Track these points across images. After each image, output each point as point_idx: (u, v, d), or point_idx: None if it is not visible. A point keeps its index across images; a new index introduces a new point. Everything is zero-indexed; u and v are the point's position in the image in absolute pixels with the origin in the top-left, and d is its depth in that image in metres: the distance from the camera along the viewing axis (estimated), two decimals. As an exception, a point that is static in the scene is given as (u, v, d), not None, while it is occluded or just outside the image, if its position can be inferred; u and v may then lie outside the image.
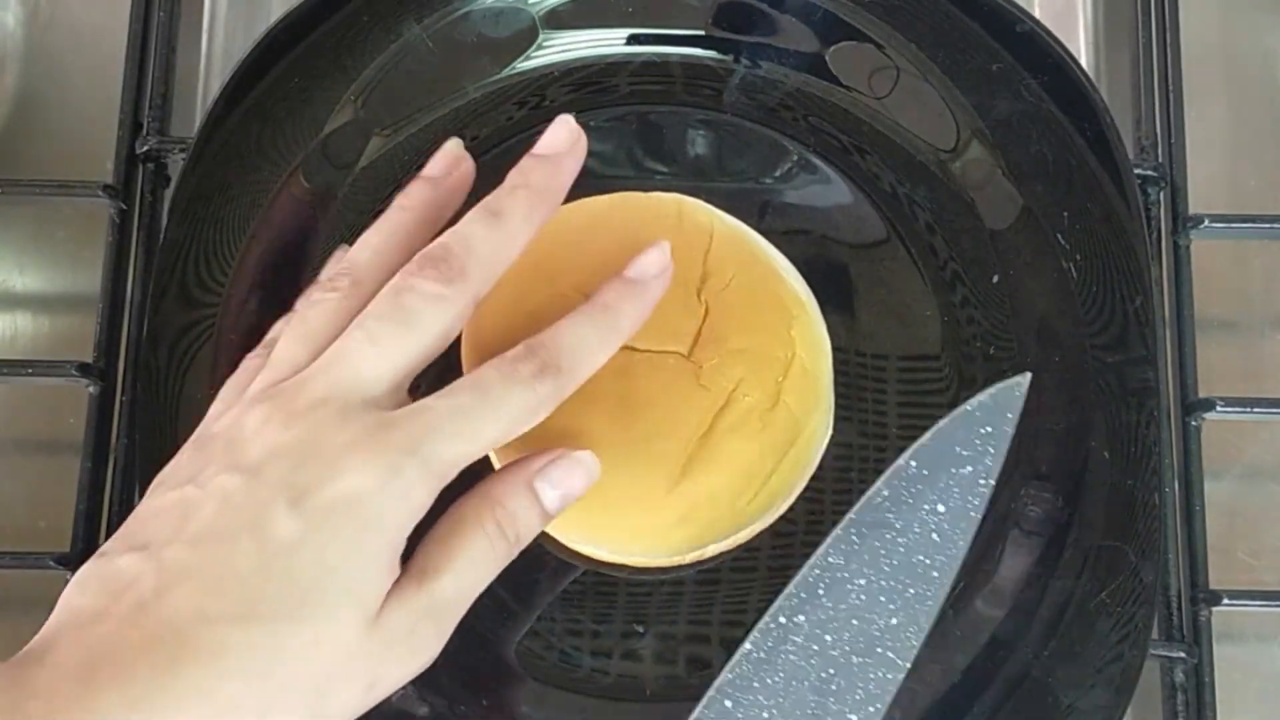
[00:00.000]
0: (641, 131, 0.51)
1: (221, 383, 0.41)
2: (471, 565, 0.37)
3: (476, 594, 0.38)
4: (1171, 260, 0.52)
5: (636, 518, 0.42)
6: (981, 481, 0.41)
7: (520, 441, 0.38)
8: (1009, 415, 0.41)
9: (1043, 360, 0.48)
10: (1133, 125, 0.53)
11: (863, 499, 0.41)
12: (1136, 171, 0.50)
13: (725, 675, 0.39)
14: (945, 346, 0.48)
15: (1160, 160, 0.52)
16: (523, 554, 0.39)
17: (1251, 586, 0.51)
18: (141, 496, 0.39)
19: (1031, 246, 0.49)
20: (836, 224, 0.50)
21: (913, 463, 0.41)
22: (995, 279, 0.49)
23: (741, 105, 0.51)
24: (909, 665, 0.39)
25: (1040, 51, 0.50)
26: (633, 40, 0.52)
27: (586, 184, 0.42)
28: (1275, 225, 0.52)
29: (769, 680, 0.39)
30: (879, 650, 0.39)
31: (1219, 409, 0.49)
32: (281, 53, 0.51)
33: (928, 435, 0.41)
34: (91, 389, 0.50)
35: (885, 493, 0.41)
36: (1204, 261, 0.52)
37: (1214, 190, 0.55)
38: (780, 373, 0.43)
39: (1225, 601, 0.48)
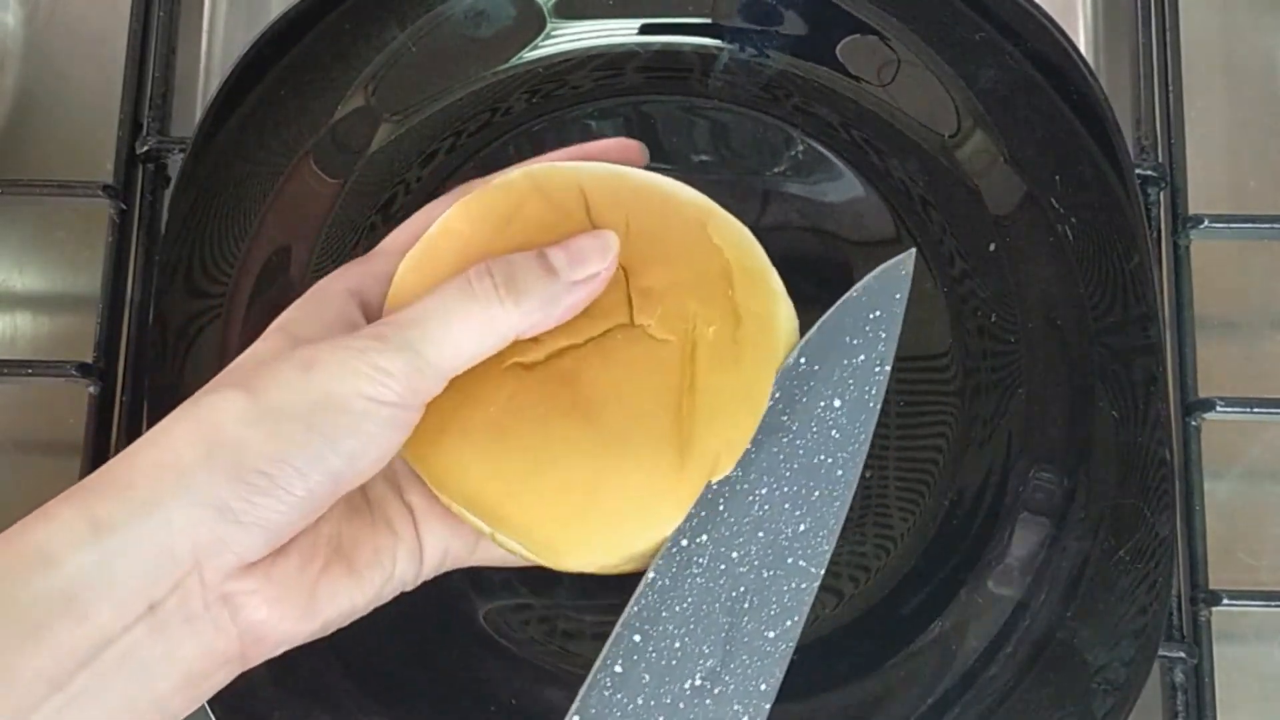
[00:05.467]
0: (646, 121, 0.51)
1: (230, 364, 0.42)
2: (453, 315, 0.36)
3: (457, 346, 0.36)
4: (1171, 260, 0.52)
5: (661, 511, 0.38)
6: (877, 369, 0.38)
7: (490, 463, 0.37)
8: (896, 297, 0.39)
9: (1046, 328, 0.48)
10: (1133, 125, 0.53)
11: None
12: (1137, 172, 0.50)
13: (631, 609, 0.37)
14: (951, 334, 0.49)
15: (1160, 160, 0.52)
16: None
17: (1251, 586, 0.51)
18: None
19: (1029, 221, 0.49)
20: (840, 213, 0.50)
21: (802, 360, 0.38)
22: (992, 246, 0.49)
23: (742, 94, 0.51)
24: (822, 572, 0.37)
25: (1023, 21, 0.50)
26: (643, 30, 0.52)
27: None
28: (1275, 225, 0.52)
29: (677, 608, 0.37)
30: (790, 560, 0.37)
31: (1219, 409, 0.49)
32: (292, 39, 0.51)
33: (814, 329, 0.39)
34: (91, 389, 0.50)
35: (777, 394, 0.38)
36: (1204, 261, 0.52)
37: (1214, 190, 0.55)
38: (725, 284, 0.39)
39: (1225, 601, 0.48)
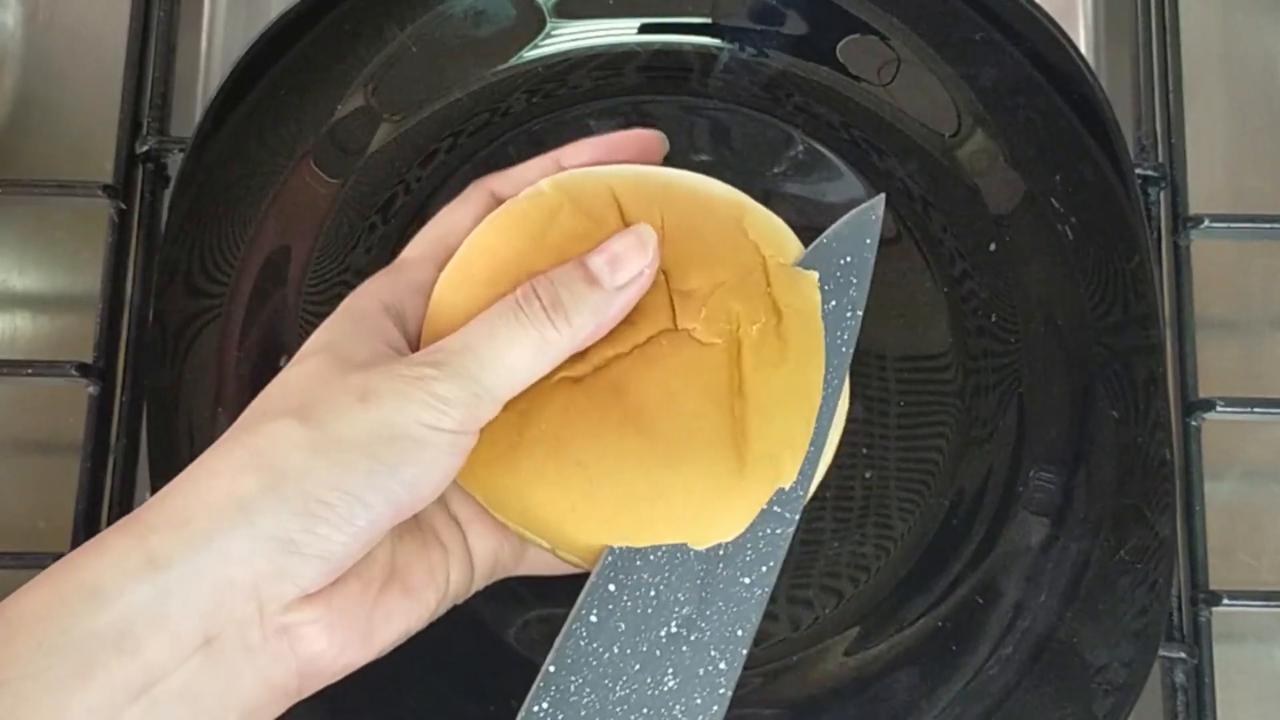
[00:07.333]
0: (646, 121, 0.51)
1: (229, 364, 0.42)
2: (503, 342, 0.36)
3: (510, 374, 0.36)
4: (1171, 260, 0.52)
5: (724, 518, 0.38)
6: (849, 314, 0.38)
7: (547, 482, 0.37)
8: (867, 241, 0.38)
9: (1046, 328, 0.48)
10: (1133, 125, 0.53)
11: None
12: (1137, 172, 0.50)
13: (605, 559, 0.37)
14: (952, 334, 0.49)
15: (1160, 160, 0.52)
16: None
17: (1251, 587, 0.51)
18: (151, 491, 0.39)
19: (1029, 221, 0.49)
20: (839, 213, 0.49)
21: None
22: (992, 246, 0.49)
23: (742, 93, 0.51)
24: (798, 518, 0.37)
25: (1024, 21, 0.50)
26: (643, 30, 0.52)
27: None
28: (1275, 225, 0.52)
29: (651, 556, 0.37)
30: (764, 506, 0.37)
31: (1219, 409, 0.49)
32: (292, 39, 0.51)
33: None
34: (91, 389, 0.50)
35: None
36: (1204, 261, 0.52)
37: (1214, 190, 0.55)
38: (763, 280, 0.39)
39: (1225, 602, 0.48)
